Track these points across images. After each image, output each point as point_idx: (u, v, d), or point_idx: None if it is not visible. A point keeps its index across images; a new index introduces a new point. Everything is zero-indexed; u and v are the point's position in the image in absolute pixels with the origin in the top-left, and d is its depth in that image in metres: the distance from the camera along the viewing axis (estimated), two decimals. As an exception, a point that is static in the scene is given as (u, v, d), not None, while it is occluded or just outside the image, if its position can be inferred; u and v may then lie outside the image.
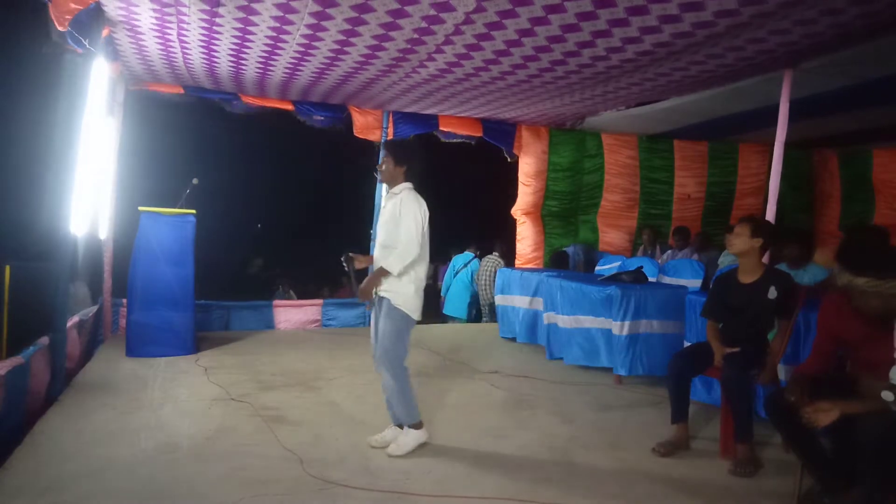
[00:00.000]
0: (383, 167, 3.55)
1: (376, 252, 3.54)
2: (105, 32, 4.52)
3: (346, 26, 4.29)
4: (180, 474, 3.04)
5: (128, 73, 5.91)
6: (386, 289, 3.43)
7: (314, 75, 5.68)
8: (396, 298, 3.40)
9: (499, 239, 8.36)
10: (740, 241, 3.52)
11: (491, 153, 8.27)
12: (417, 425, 3.44)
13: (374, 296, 3.48)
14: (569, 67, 5.02)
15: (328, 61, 5.20)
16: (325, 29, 4.41)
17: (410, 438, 3.40)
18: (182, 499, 2.80)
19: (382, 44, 4.71)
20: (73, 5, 3.81)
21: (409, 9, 3.95)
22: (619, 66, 4.91)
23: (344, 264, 3.54)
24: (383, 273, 3.38)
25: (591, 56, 4.69)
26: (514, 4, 3.82)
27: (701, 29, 4.04)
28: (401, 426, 3.47)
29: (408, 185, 3.53)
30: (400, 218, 3.37)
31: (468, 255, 8.56)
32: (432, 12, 3.99)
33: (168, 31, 4.57)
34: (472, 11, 4.01)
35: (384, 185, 3.64)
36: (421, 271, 3.47)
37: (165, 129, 8.39)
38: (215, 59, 5.28)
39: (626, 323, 4.97)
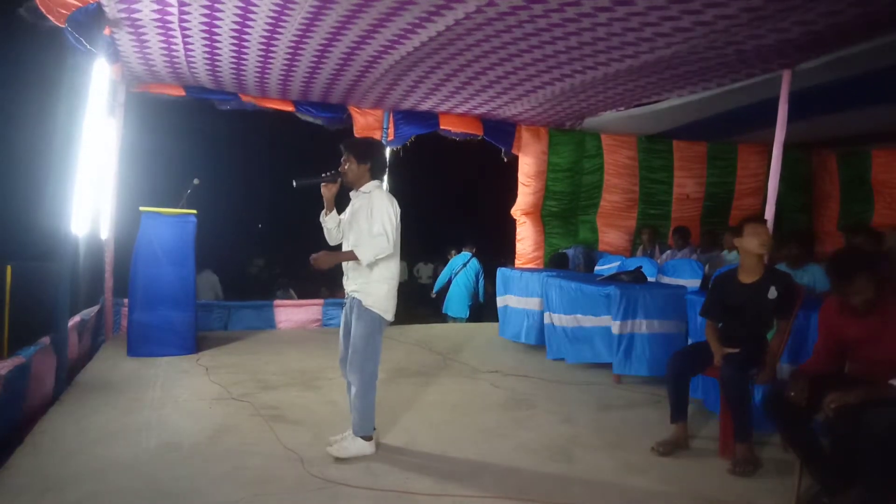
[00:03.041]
0: (346, 167, 3.36)
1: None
2: (106, 32, 4.53)
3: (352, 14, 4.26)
4: (181, 473, 3.05)
5: (129, 73, 5.92)
6: (358, 289, 3.32)
7: (314, 60, 5.60)
8: (367, 299, 3.29)
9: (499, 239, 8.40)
10: (770, 239, 3.59)
11: (491, 153, 8.29)
12: (367, 438, 3.34)
13: (347, 295, 3.40)
14: (570, 43, 4.95)
15: (324, 44, 5.13)
16: (323, 15, 4.39)
17: (355, 447, 3.30)
18: (183, 498, 2.81)
19: (391, 38, 4.70)
20: (69, 0, 3.80)
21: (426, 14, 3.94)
22: (620, 48, 4.84)
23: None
24: (352, 257, 3.24)
25: (593, 36, 4.63)
26: None
27: (700, 27, 4.04)
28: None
29: (376, 182, 3.41)
30: (373, 216, 3.25)
31: (466, 254, 8.56)
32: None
33: (170, 26, 4.57)
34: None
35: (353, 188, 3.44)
36: (394, 270, 3.37)
37: (166, 129, 8.40)
38: (217, 53, 5.25)
39: (626, 322, 4.98)
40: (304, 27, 4.61)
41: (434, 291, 8.71)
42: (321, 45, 5.11)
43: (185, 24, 4.56)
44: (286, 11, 4.35)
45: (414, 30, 4.52)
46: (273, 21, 4.53)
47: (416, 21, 4.39)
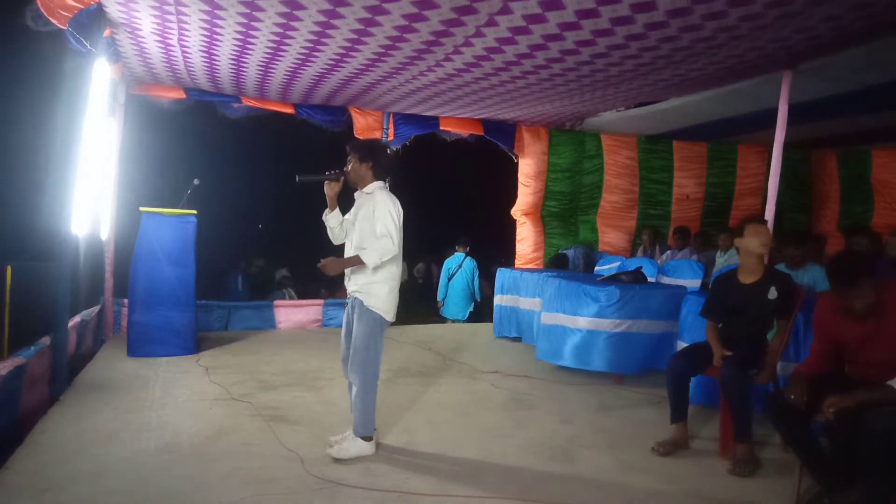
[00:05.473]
0: (349, 167, 3.37)
1: (351, 254, 3.40)
2: (106, 33, 4.53)
3: (357, 26, 4.29)
4: (181, 474, 3.05)
5: (129, 74, 5.92)
6: (359, 289, 3.32)
7: (315, 77, 5.70)
8: (369, 299, 3.30)
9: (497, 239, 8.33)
10: (771, 238, 3.61)
11: (491, 154, 8.28)
12: (367, 438, 3.34)
13: (349, 295, 3.41)
14: (566, 65, 5.01)
15: (332, 63, 5.21)
16: (329, 36, 4.43)
17: (354, 447, 3.30)
18: (183, 498, 2.81)
19: (389, 50, 4.74)
20: (71, 2, 3.81)
21: (425, 12, 3.96)
22: (620, 63, 4.90)
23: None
24: (358, 262, 3.26)
25: (591, 54, 4.69)
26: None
27: (710, 21, 4.03)
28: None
29: (379, 183, 3.40)
30: (376, 217, 3.26)
31: (459, 255, 8.40)
32: (452, 16, 4.02)
33: (169, 32, 4.59)
34: (484, 24, 4.05)
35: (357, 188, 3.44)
36: (395, 270, 3.37)
37: (166, 129, 8.39)
38: (216, 61, 5.29)
39: (626, 322, 4.98)
40: (310, 45, 4.65)
41: (439, 299, 8.57)
42: (328, 64, 5.16)
43: (184, 33, 4.57)
44: (290, 30, 4.38)
45: (423, 46, 4.55)
46: (278, 38, 4.56)
47: (422, 43, 4.44)
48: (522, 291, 6.55)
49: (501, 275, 7.03)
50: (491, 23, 4.11)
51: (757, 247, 3.53)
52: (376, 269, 3.30)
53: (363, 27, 4.28)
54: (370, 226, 3.28)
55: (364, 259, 3.24)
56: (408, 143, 7.49)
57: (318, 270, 3.29)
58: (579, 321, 5.32)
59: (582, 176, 8.31)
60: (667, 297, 5.13)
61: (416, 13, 4.01)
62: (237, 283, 9.82)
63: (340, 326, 3.58)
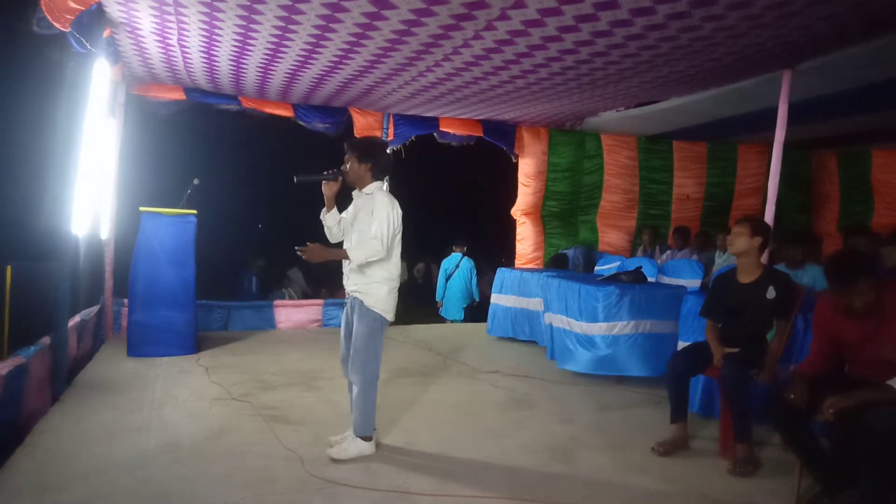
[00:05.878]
0: (347, 166, 3.37)
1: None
2: (106, 33, 4.53)
3: (355, 30, 4.30)
4: (181, 474, 3.05)
5: (129, 74, 5.93)
6: (358, 290, 3.33)
7: (316, 79, 5.70)
8: (368, 299, 3.30)
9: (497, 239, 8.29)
10: (741, 240, 3.53)
11: (491, 154, 8.27)
12: (367, 438, 3.35)
13: (348, 295, 3.43)
14: (566, 63, 5.01)
15: (331, 65, 5.22)
16: (328, 39, 4.44)
17: (354, 448, 3.30)
18: (183, 498, 2.81)
19: (388, 52, 4.75)
20: (73, 5, 3.82)
21: (424, 19, 3.98)
22: (619, 61, 4.90)
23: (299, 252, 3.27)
24: (343, 255, 3.25)
25: (590, 53, 4.69)
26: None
27: (709, 22, 4.04)
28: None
29: (378, 184, 3.42)
30: (373, 217, 3.26)
31: (457, 255, 8.37)
32: (450, 21, 4.03)
33: (168, 32, 4.59)
34: (483, 29, 4.05)
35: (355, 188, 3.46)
36: (394, 271, 3.37)
37: (167, 129, 8.39)
38: (216, 62, 5.30)
39: (625, 323, 4.97)
40: (309, 47, 4.65)
41: (438, 299, 8.54)
42: (328, 65, 5.15)
43: (183, 33, 4.57)
44: (289, 32, 4.37)
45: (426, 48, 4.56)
46: (277, 39, 4.55)
47: (427, 39, 4.45)
48: (524, 291, 6.55)
49: (500, 274, 7.04)
50: (490, 27, 4.12)
51: (729, 248, 3.64)
52: (375, 269, 3.30)
53: (362, 31, 4.29)
54: (367, 226, 3.29)
55: (351, 255, 3.24)
56: (408, 143, 7.50)
57: (318, 270, 3.29)
58: (581, 324, 5.32)
59: (582, 176, 8.31)
60: (667, 296, 5.13)
61: (414, 19, 4.01)
62: (252, 283, 9.88)
63: (340, 326, 3.58)
